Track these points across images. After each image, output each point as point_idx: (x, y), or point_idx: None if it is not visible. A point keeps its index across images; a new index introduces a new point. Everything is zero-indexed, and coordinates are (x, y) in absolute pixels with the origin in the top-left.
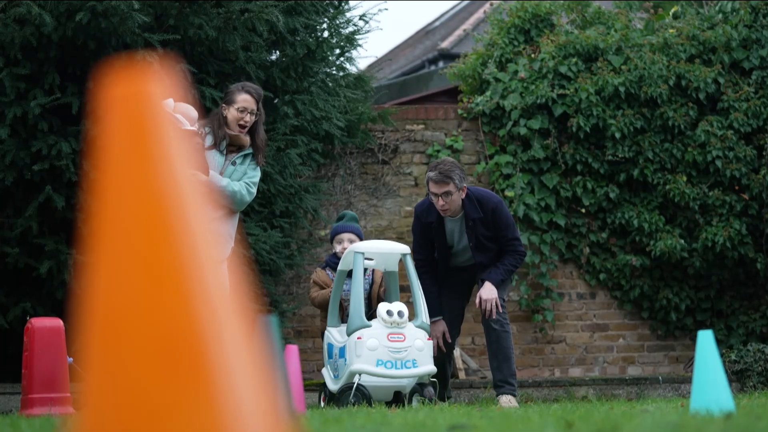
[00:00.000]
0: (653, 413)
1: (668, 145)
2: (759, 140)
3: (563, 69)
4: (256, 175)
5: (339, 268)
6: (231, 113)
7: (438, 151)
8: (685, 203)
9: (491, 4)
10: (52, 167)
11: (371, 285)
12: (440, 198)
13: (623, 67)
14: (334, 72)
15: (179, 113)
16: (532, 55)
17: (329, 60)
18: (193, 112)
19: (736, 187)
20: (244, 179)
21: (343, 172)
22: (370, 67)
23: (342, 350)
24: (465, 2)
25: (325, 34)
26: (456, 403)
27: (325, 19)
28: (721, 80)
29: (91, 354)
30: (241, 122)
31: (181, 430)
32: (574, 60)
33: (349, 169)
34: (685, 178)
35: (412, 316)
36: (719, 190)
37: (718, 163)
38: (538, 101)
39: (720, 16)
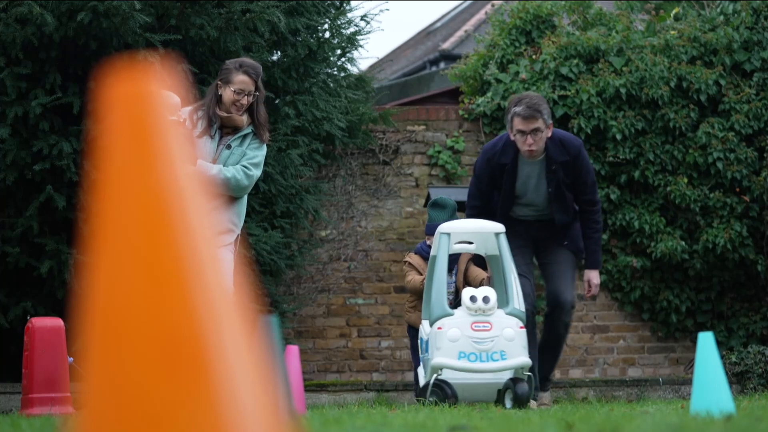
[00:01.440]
0: (653, 415)
1: (669, 146)
2: (760, 142)
3: (564, 70)
4: (257, 154)
5: (432, 253)
6: (227, 94)
7: (439, 152)
8: (685, 205)
9: (492, 5)
10: (53, 167)
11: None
12: (528, 136)
13: (624, 68)
14: (335, 73)
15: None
16: (534, 57)
17: (330, 60)
18: (175, 99)
19: (737, 189)
20: (243, 161)
21: (344, 173)
22: (372, 67)
23: (428, 343)
24: (466, 3)
25: (327, 34)
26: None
27: (327, 20)
28: (723, 82)
29: (92, 354)
30: (238, 104)
31: (182, 430)
32: (576, 61)
33: (350, 169)
34: (686, 180)
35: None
36: (720, 192)
37: (719, 164)
38: None
39: (721, 17)
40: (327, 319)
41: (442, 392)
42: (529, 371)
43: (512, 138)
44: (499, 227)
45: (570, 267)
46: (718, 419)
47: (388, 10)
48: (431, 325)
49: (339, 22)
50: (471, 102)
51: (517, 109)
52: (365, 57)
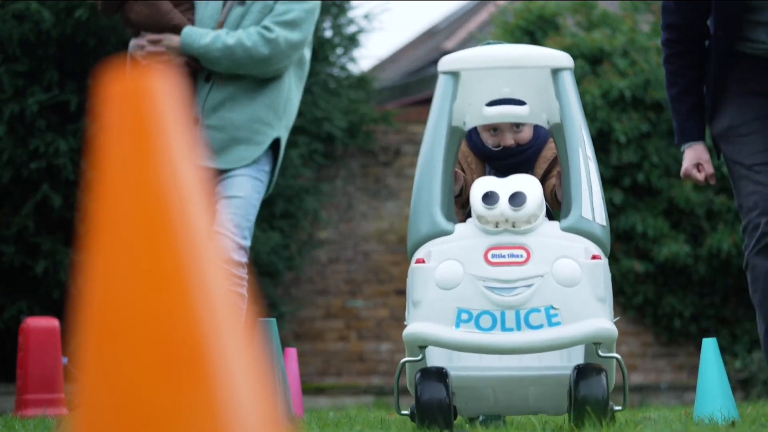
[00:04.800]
0: (656, 421)
1: (674, 150)
2: None
3: None
4: (292, 9)
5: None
6: None
7: None
8: (690, 209)
9: (496, 6)
10: (50, 165)
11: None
12: None
13: (629, 70)
14: (336, 72)
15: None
16: None
17: (331, 60)
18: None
19: None
20: (267, 21)
21: (345, 174)
22: (373, 68)
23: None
24: (470, 4)
25: (328, 33)
26: None
27: (328, 19)
28: None
29: (87, 355)
30: None
31: None
32: (579, 62)
33: (351, 170)
34: (690, 184)
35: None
36: (725, 196)
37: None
38: None
39: None
40: (326, 321)
41: (424, 399)
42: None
43: None
44: (562, 58)
45: None
46: (721, 426)
47: (390, 9)
48: (410, 252)
49: (340, 22)
50: None
51: None
52: (367, 57)
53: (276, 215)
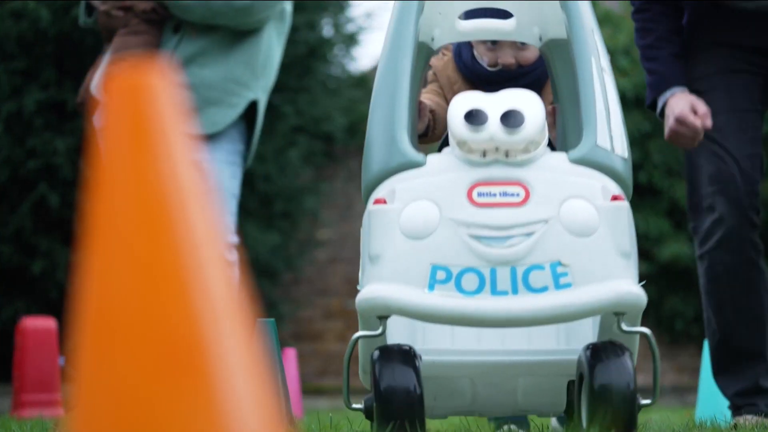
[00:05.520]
0: (658, 423)
1: (676, 150)
2: None
3: None
4: None
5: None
6: None
7: None
8: None
9: None
10: (48, 165)
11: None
12: None
13: (631, 69)
14: (336, 71)
15: None
16: None
17: (331, 59)
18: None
19: None
20: None
21: (344, 173)
22: (373, 67)
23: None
24: None
25: (328, 32)
26: None
27: (328, 17)
28: None
29: (85, 355)
30: None
31: None
32: None
33: (350, 170)
34: None
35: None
36: None
37: None
38: None
39: None
40: (325, 322)
41: (385, 387)
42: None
43: None
44: None
45: None
46: (724, 428)
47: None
48: (365, 196)
49: (340, 20)
50: None
51: None
52: (366, 56)
53: (275, 215)
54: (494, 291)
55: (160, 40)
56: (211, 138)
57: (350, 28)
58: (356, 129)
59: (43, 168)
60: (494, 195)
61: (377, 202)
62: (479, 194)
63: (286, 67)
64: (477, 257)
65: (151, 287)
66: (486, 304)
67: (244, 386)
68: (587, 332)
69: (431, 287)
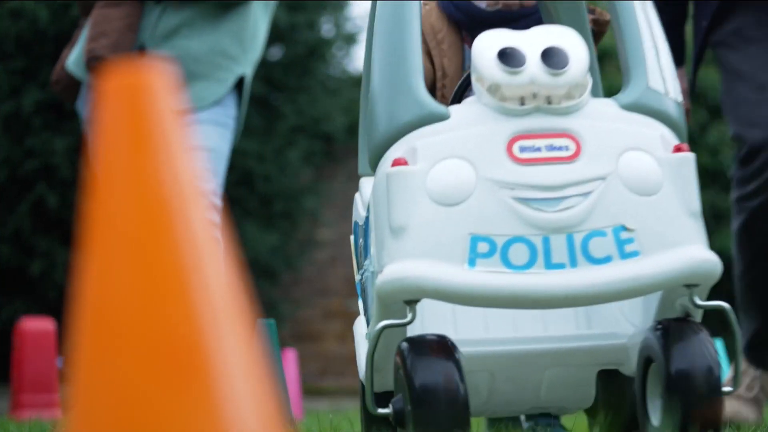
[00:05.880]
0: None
1: None
2: None
3: None
4: None
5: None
6: None
7: None
8: None
9: None
10: (46, 164)
11: None
12: None
13: None
14: (335, 71)
15: None
16: None
17: (331, 58)
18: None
19: None
20: None
21: (344, 173)
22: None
23: (366, 227)
24: None
25: (327, 32)
26: None
27: (328, 17)
28: None
29: (83, 356)
30: None
31: None
32: None
33: (350, 170)
34: None
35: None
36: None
37: (726, 162)
38: None
39: None
40: (325, 322)
41: (423, 386)
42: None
43: None
44: None
45: None
46: (726, 430)
47: None
48: (375, 159)
49: (340, 20)
50: None
51: None
52: None
53: (275, 215)
54: (549, 264)
55: (141, 11)
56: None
57: (349, 27)
58: (356, 129)
59: (41, 168)
60: (539, 149)
61: (396, 163)
62: (521, 149)
63: (286, 67)
64: (525, 224)
65: (150, 287)
66: (541, 280)
67: (243, 387)
68: (613, 313)
69: (472, 263)
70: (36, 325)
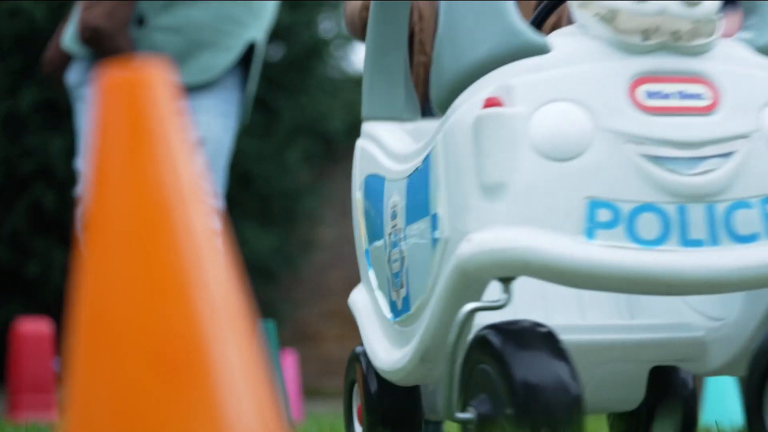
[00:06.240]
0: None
1: None
2: None
3: None
4: None
5: None
6: None
7: None
8: None
9: None
10: (43, 164)
11: None
12: None
13: None
14: (334, 72)
15: None
16: None
17: (331, 59)
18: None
19: None
20: None
21: (344, 174)
22: None
23: (419, 174)
24: None
25: (325, 32)
26: None
27: (325, 14)
28: None
29: (80, 357)
30: None
31: None
32: None
33: (350, 170)
34: None
35: None
36: None
37: None
38: None
39: None
40: (325, 323)
41: (524, 388)
42: None
43: None
44: None
45: None
46: None
47: None
48: (448, 97)
49: (339, 19)
50: None
51: None
52: None
53: (274, 216)
54: (685, 240)
55: None
56: (203, 86)
57: None
58: (356, 129)
59: (38, 168)
60: (668, 96)
61: (490, 103)
62: (649, 94)
63: (285, 66)
64: (657, 189)
65: (149, 287)
66: (678, 260)
67: (243, 387)
68: (667, 301)
69: (590, 234)
70: (33, 326)
